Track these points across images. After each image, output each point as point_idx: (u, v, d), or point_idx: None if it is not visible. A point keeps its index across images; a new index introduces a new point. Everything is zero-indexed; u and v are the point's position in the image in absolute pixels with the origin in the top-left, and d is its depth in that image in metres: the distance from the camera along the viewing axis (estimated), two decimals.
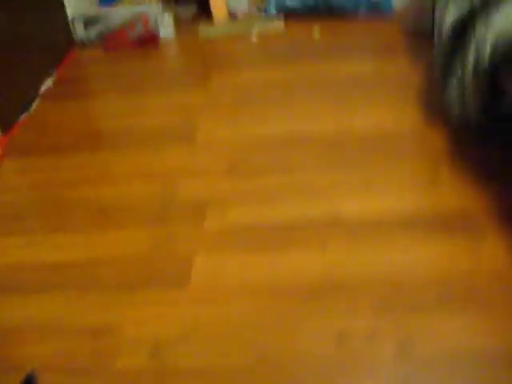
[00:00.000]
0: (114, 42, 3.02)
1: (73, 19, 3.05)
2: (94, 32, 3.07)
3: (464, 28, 1.89)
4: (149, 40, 3.00)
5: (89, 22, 3.06)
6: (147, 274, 1.77)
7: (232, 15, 3.10)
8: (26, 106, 2.61)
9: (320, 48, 2.84)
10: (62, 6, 3.02)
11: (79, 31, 3.07)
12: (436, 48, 2.05)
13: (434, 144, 2.09)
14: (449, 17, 1.94)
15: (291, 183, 2.03)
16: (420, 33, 2.68)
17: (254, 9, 3.13)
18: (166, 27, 3.05)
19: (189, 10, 3.21)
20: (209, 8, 3.09)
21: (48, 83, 2.76)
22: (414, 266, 1.69)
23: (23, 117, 2.57)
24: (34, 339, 1.65)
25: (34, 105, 2.64)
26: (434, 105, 2.22)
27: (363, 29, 2.96)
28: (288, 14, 3.08)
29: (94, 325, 1.65)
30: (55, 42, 2.95)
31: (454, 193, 1.90)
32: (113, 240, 1.91)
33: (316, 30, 2.93)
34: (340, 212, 1.89)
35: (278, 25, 3.03)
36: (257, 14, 3.11)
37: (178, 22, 3.14)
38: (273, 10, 3.05)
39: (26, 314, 1.73)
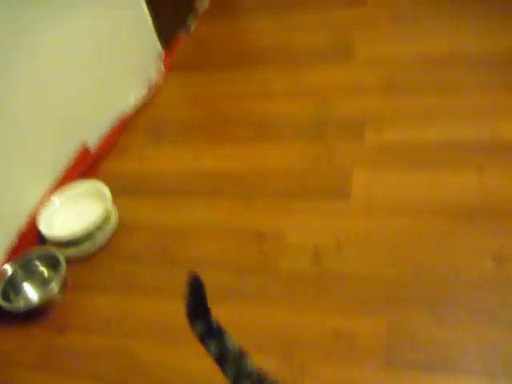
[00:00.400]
0: None
1: None
2: None
3: None
4: None
5: None
6: (309, 185, 1.85)
7: None
8: (186, 26, 2.72)
9: None
10: None
11: None
12: None
13: None
14: None
15: (450, 103, 1.99)
16: None
17: None
18: None
19: None
20: None
21: (205, 3, 2.85)
22: None
23: (184, 35, 2.69)
24: (204, 238, 1.80)
25: (194, 24, 2.75)
26: None
27: None
28: None
29: (260, 228, 1.77)
30: None
31: None
32: (274, 153, 2.00)
33: None
34: (500, 135, 1.85)
35: None
36: None
37: None
38: None
39: (196, 216, 1.88)
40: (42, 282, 1.79)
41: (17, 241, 1.83)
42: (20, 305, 1.73)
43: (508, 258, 1.54)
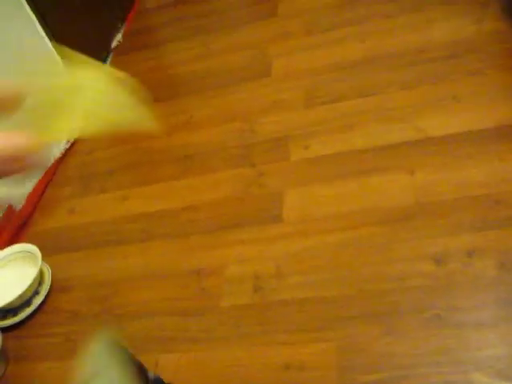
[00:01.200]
0: None
1: None
2: None
3: None
4: None
5: None
6: (242, 214, 1.80)
7: None
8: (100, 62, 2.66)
9: None
10: None
11: None
12: None
13: None
14: None
15: (371, 107, 1.97)
16: None
17: None
18: None
19: None
20: None
21: (118, 37, 2.79)
22: (508, 177, 1.63)
23: None
24: (142, 286, 1.75)
25: (108, 61, 2.69)
26: None
27: None
28: None
29: (198, 267, 1.72)
30: None
31: None
32: (204, 186, 1.95)
33: None
34: (426, 130, 1.83)
35: None
36: None
37: None
38: None
39: (131, 264, 1.82)
40: None
41: None
42: None
43: (449, 257, 1.52)
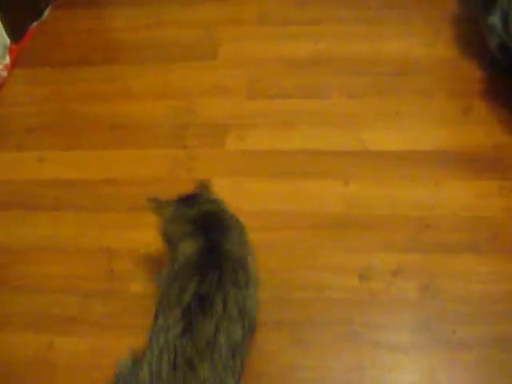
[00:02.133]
0: None
1: None
2: None
3: None
4: None
5: None
6: (165, 196, 1.70)
7: None
8: (38, 14, 2.47)
9: None
10: None
11: None
12: None
13: (468, 77, 1.95)
14: None
15: (315, 108, 1.92)
16: None
17: None
18: None
19: None
20: None
21: None
22: (442, 203, 1.62)
23: (35, 25, 2.43)
24: (48, 258, 1.63)
25: (46, 12, 2.50)
26: (471, 35, 2.07)
27: None
28: None
29: (110, 246, 1.62)
30: None
31: (486, 130, 1.79)
32: (129, 159, 1.84)
33: None
34: (366, 142, 1.80)
35: None
36: None
37: None
38: None
39: (39, 233, 1.69)
40: None
41: None
42: None
43: (373, 273, 1.49)
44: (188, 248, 1.23)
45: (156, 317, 1.17)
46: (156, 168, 1.80)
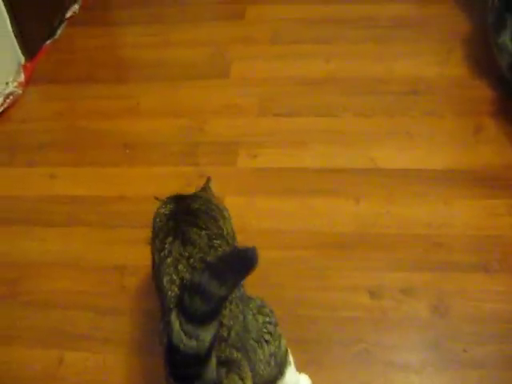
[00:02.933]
0: None
1: None
2: None
3: None
4: None
5: None
6: None
7: None
8: (51, 32, 2.50)
9: None
10: None
11: None
12: None
13: (478, 96, 1.96)
14: None
15: (326, 126, 1.94)
16: None
17: None
18: None
19: None
20: None
21: (74, 8, 2.64)
22: (451, 222, 1.63)
23: (48, 43, 2.47)
24: (58, 273, 1.63)
25: (60, 31, 2.53)
26: (482, 55, 2.08)
27: None
28: None
29: (121, 262, 1.62)
30: None
31: (496, 149, 1.80)
32: (140, 178, 1.85)
33: None
34: (376, 160, 1.81)
35: None
36: None
37: None
38: None
39: (50, 249, 1.70)
40: None
41: None
42: None
43: (383, 292, 1.49)
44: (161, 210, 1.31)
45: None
46: (166, 185, 1.78)
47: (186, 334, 0.87)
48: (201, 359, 0.91)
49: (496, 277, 1.49)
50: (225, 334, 1.03)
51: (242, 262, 0.91)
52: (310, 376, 1.28)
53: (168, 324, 0.91)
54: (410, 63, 2.11)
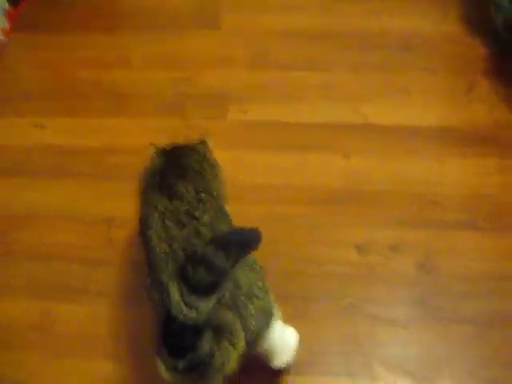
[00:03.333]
0: None
1: None
2: None
3: None
4: None
5: None
6: None
7: None
8: None
9: None
10: None
11: None
12: None
13: (473, 55, 1.93)
14: None
15: (319, 81, 1.90)
16: None
17: None
18: None
19: None
20: None
21: None
22: (442, 180, 1.63)
23: None
24: (46, 225, 1.62)
25: None
26: (478, 13, 2.03)
27: None
28: None
29: (109, 214, 1.61)
30: None
31: (489, 108, 1.78)
32: (130, 129, 1.82)
33: None
34: (369, 116, 1.79)
35: None
36: None
37: None
38: None
39: (38, 200, 1.68)
40: None
41: None
42: None
43: (371, 248, 1.50)
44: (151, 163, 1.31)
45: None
46: (153, 137, 1.74)
47: (186, 305, 0.88)
48: (198, 330, 0.91)
49: (485, 235, 1.51)
50: None
51: (247, 238, 0.94)
52: (296, 329, 1.29)
53: (166, 295, 0.92)
54: (406, 20, 2.06)
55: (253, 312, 1.07)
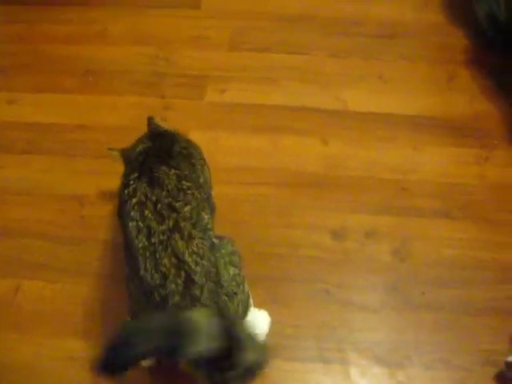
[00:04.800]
0: None
1: None
2: None
3: None
4: None
5: None
6: None
7: None
8: None
9: None
10: None
11: None
12: None
13: (454, 45, 1.92)
14: None
15: (298, 65, 1.88)
16: None
17: None
18: None
19: None
20: None
21: None
22: (418, 168, 1.62)
23: None
24: (17, 202, 1.59)
25: None
26: (460, 3, 2.02)
27: None
28: None
29: (81, 192, 1.58)
30: None
31: (468, 98, 1.78)
32: (102, 105, 1.79)
33: None
34: (347, 102, 1.78)
35: None
36: None
37: None
38: None
39: (8, 176, 1.65)
40: None
41: None
42: None
43: (346, 234, 1.49)
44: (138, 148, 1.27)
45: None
46: (129, 116, 1.75)
47: None
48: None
49: (458, 224, 1.50)
50: (197, 293, 1.01)
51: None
52: (269, 313, 1.28)
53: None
54: (389, 7, 2.05)
55: (232, 309, 1.07)
